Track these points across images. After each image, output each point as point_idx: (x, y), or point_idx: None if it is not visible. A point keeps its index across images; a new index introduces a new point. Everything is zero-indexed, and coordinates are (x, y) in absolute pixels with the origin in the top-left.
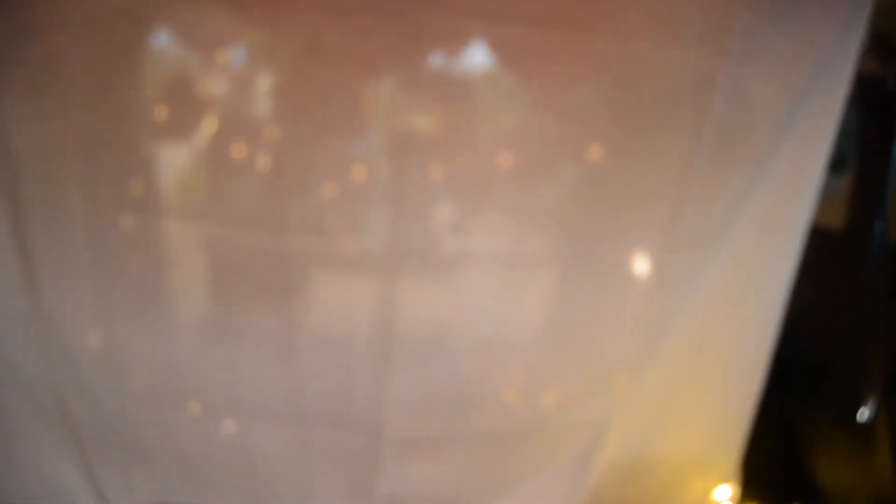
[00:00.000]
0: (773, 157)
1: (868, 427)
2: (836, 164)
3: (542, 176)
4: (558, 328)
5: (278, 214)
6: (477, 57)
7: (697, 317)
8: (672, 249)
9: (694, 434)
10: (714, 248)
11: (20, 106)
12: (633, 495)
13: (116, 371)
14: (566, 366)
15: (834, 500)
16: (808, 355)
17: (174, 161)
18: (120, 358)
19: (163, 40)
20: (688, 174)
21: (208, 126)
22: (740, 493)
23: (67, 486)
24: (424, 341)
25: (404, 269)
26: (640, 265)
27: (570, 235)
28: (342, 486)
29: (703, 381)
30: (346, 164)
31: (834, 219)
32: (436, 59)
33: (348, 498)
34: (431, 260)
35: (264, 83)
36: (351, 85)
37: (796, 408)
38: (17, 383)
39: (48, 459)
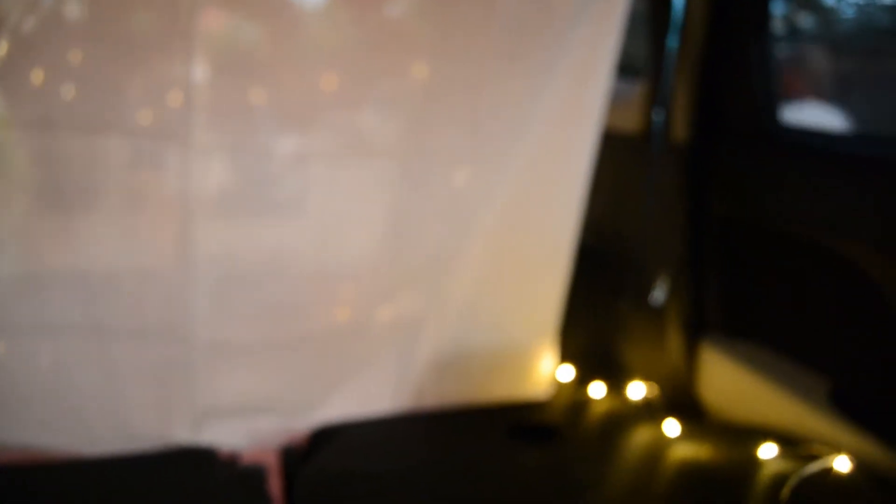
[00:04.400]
0: (563, 53)
1: (660, 309)
2: (634, 71)
3: (369, 93)
4: (374, 232)
5: (88, 127)
6: None
7: (502, 211)
8: (477, 145)
9: (508, 322)
10: (515, 141)
11: None
12: (454, 385)
13: None
14: (382, 265)
15: (633, 375)
16: (608, 245)
17: None
18: None
19: None
20: (484, 72)
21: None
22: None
23: None
24: (229, 267)
25: (214, 202)
26: (453, 162)
27: (400, 147)
28: (156, 400)
29: (511, 271)
30: (161, 90)
31: (631, 122)
32: None
33: (165, 411)
34: (250, 189)
35: (65, 5)
36: (158, 4)
37: (600, 293)
38: None
39: None
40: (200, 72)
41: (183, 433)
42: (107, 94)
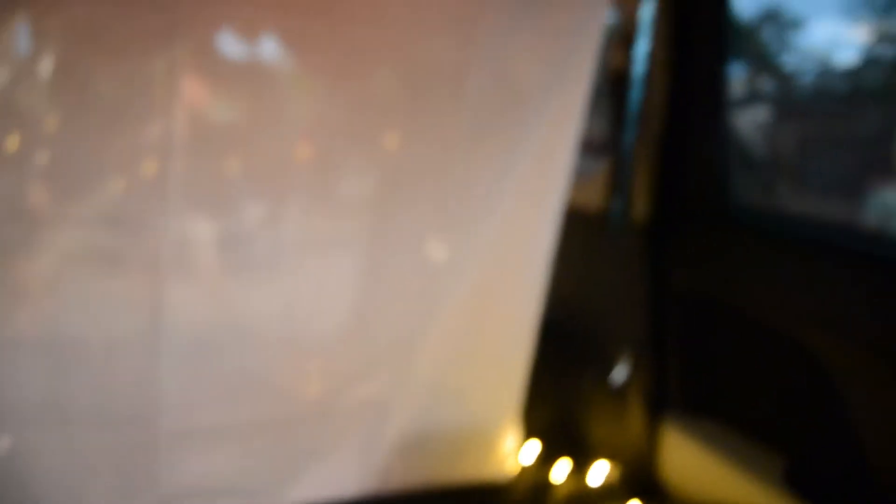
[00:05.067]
0: (527, 135)
1: (622, 387)
2: (597, 150)
3: (341, 165)
4: (343, 307)
5: (53, 209)
6: (267, 47)
7: (468, 288)
8: (445, 222)
9: (473, 401)
10: (481, 219)
11: None
12: (420, 467)
13: None
14: (350, 341)
15: (597, 453)
16: (572, 322)
17: None
18: None
19: None
20: (451, 151)
21: None
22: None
23: None
24: (198, 337)
25: (186, 268)
26: (421, 238)
27: (368, 223)
28: (120, 485)
29: (477, 349)
30: (135, 158)
31: (594, 200)
32: (227, 48)
33: (129, 497)
34: (222, 256)
35: (42, 71)
36: (135, 73)
37: (565, 370)
38: None
39: None
40: (176, 139)
41: None
42: (81, 160)
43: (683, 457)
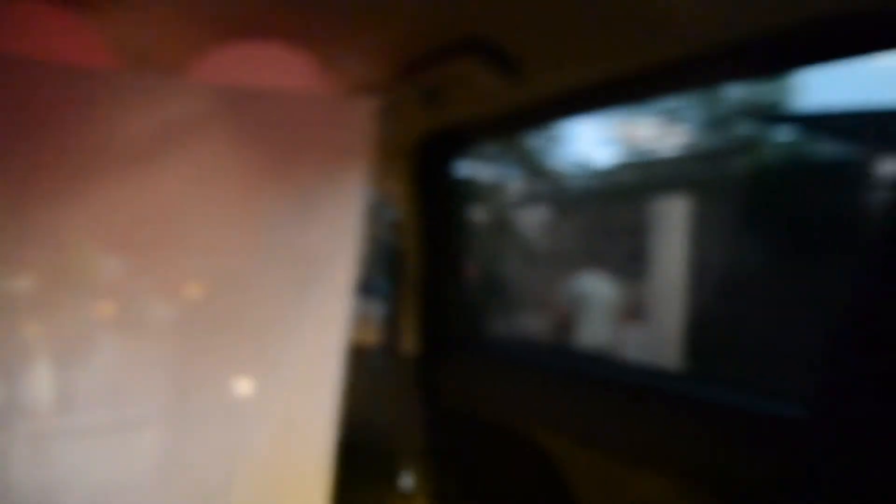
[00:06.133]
0: (310, 288)
1: (409, 493)
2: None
3: (141, 320)
4: (147, 469)
5: None
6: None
7: (271, 428)
8: (247, 370)
9: None
10: (279, 364)
11: None
12: None
13: None
14: (165, 479)
15: None
16: (362, 443)
17: None
18: None
19: None
20: (248, 302)
21: None
22: None
23: None
24: None
25: None
26: (228, 389)
27: (168, 373)
28: None
29: (284, 476)
30: None
31: (374, 336)
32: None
33: None
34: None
35: None
36: None
37: (358, 484)
38: None
39: None
40: None
41: None
42: None
43: None
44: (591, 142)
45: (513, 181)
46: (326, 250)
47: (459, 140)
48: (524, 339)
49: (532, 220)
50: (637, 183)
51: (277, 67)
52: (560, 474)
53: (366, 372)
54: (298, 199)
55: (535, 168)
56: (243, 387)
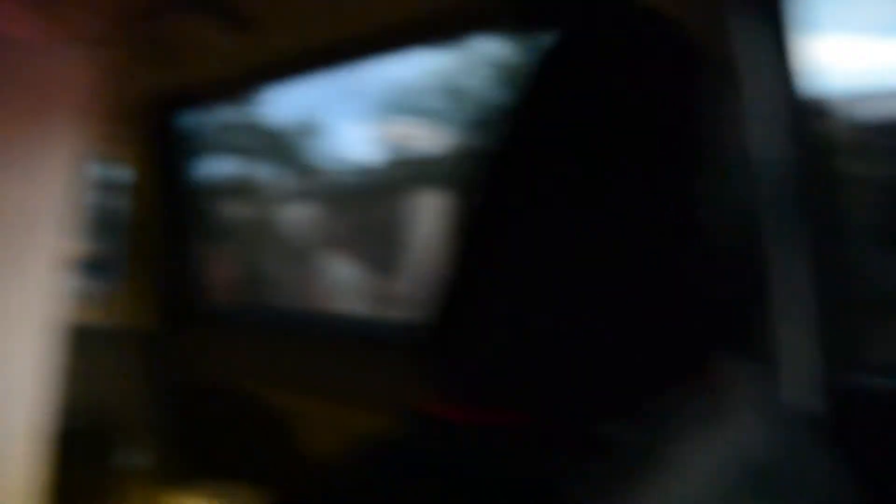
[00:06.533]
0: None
1: (138, 469)
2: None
3: None
4: None
5: None
6: None
7: None
8: None
9: None
10: None
11: None
12: None
13: None
14: None
15: None
16: (96, 425)
17: None
18: None
19: None
20: None
21: None
22: None
23: None
24: None
25: None
26: None
27: None
28: None
29: None
30: None
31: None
32: None
33: None
34: None
35: None
36: None
37: (90, 463)
38: None
39: None
40: None
41: None
42: None
43: None
44: (353, 139)
45: (264, 163)
46: (38, 216)
47: (193, 102)
48: (264, 310)
49: (283, 203)
50: (392, 180)
51: None
52: (293, 431)
53: (92, 349)
54: (6, 157)
55: (289, 157)
56: None
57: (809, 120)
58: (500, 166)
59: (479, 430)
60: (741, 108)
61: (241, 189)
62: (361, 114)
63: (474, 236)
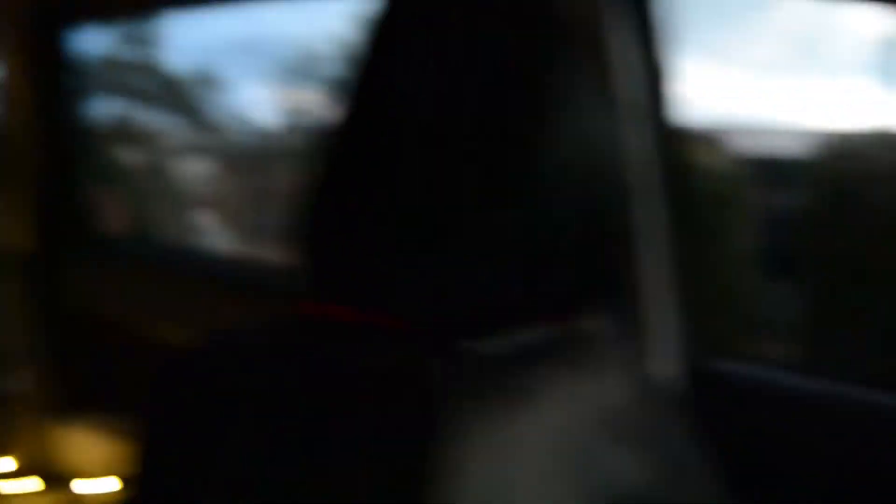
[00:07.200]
0: None
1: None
2: None
3: None
4: None
5: None
6: None
7: None
8: None
9: None
10: None
11: None
12: None
13: None
14: None
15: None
16: None
17: None
18: None
19: None
20: None
21: None
22: None
23: None
24: None
25: None
26: None
27: None
28: None
29: None
30: None
31: None
32: None
33: None
34: None
35: None
36: None
37: None
38: None
39: None
40: None
41: None
42: None
43: (78, 445)
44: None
45: (155, 105)
46: None
47: (79, 12)
48: (146, 240)
49: (171, 150)
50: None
51: None
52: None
53: None
54: None
55: (181, 104)
56: None
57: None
58: (359, 112)
59: (348, 327)
60: (603, 88)
61: (126, 128)
62: (260, 73)
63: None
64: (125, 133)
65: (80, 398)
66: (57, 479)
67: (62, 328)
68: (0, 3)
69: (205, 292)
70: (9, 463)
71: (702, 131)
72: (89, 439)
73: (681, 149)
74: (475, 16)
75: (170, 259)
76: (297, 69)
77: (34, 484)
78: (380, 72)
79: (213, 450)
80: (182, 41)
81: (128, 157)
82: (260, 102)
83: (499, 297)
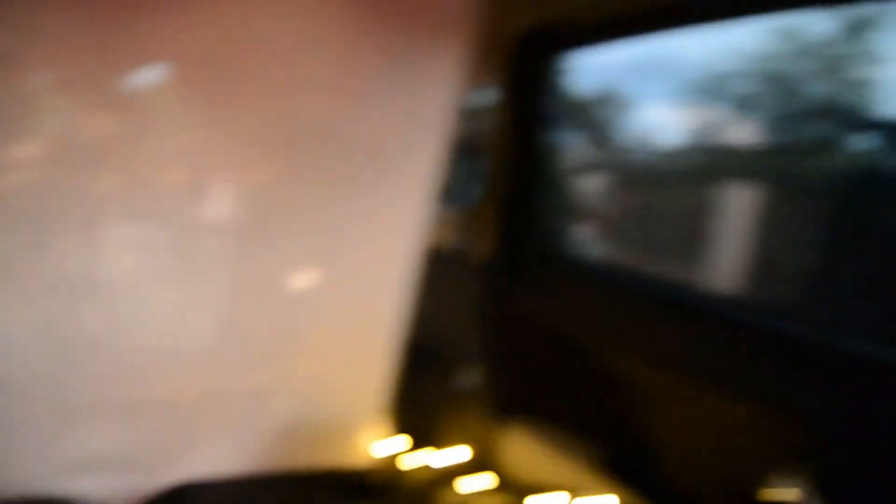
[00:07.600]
0: (384, 184)
1: (473, 393)
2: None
3: (213, 190)
4: (215, 323)
5: None
6: (156, 74)
7: (335, 310)
8: (312, 256)
9: (345, 400)
10: (344, 255)
11: None
12: (299, 452)
13: None
14: (224, 348)
15: (450, 443)
16: (435, 342)
17: None
18: None
19: None
20: (318, 193)
21: None
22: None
23: None
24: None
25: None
26: (292, 269)
27: (235, 247)
28: (29, 451)
29: (346, 360)
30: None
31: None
32: (118, 75)
33: (36, 461)
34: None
35: None
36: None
37: (429, 379)
38: None
39: None
40: (41, 154)
41: (46, 484)
42: None
43: (521, 449)
44: (660, 120)
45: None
46: (415, 147)
47: (565, 39)
48: (610, 269)
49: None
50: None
51: None
52: (628, 394)
53: (439, 274)
54: (390, 90)
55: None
56: (312, 271)
57: None
58: None
59: None
60: None
61: (599, 150)
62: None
63: None
64: (580, 158)
65: (517, 402)
66: (502, 479)
67: (510, 334)
68: (492, 30)
69: (660, 321)
70: (465, 453)
71: None
72: (525, 443)
73: None
74: None
75: (626, 282)
76: (703, 88)
77: (486, 479)
78: None
79: None
80: (589, 61)
81: (582, 181)
82: (664, 123)
83: None
